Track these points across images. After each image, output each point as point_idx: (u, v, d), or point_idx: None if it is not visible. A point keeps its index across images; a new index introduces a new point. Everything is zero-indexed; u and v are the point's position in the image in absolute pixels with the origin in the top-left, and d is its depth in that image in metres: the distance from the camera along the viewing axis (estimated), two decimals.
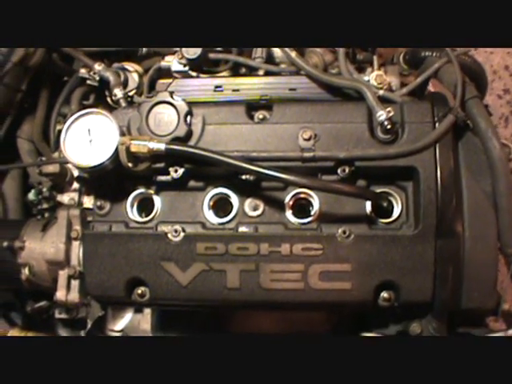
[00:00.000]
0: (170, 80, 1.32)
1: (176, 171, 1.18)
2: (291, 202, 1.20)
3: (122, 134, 1.17)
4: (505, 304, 1.18)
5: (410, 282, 1.14)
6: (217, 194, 1.22)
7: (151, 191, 1.24)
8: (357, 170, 1.16)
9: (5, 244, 1.25)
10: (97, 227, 1.23)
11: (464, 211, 1.16)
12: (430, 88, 1.38)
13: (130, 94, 1.34)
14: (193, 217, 1.21)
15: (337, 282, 1.15)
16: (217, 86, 1.29)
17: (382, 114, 1.13)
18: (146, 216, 1.23)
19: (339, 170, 1.16)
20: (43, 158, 1.36)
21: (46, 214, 1.33)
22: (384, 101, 1.19)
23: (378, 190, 1.20)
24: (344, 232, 1.15)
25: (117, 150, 1.14)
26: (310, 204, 1.20)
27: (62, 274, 1.25)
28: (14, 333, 1.41)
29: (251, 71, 1.33)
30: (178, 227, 1.18)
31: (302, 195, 1.20)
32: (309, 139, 1.16)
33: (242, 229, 1.19)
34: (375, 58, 1.33)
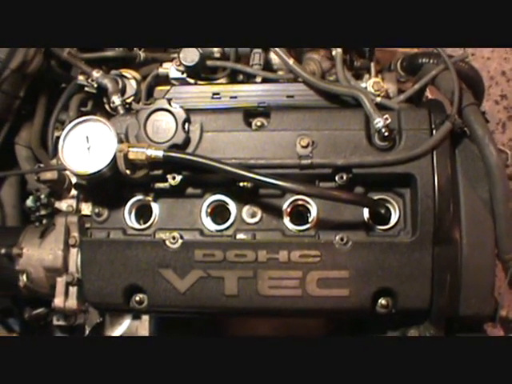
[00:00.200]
0: (168, 87, 1.32)
1: (174, 178, 1.18)
2: (289, 209, 1.20)
3: (120, 141, 1.17)
4: (502, 310, 1.18)
5: (408, 288, 1.14)
6: (215, 201, 1.22)
7: (149, 198, 1.24)
8: (354, 177, 1.16)
9: (3, 251, 1.25)
10: (95, 234, 1.23)
11: (461, 218, 1.17)
12: (428, 94, 1.38)
13: (128, 100, 1.34)
14: (191, 224, 1.21)
15: (335, 288, 1.15)
16: (214, 93, 1.29)
17: (379, 121, 1.14)
18: (144, 223, 1.23)
19: (337, 177, 1.16)
20: (41, 165, 1.36)
21: (44, 221, 1.33)
22: (381, 108, 1.19)
23: (376, 197, 1.20)
24: (342, 239, 1.15)
25: (115, 157, 1.14)
26: (308, 211, 1.20)
27: (60, 281, 1.24)
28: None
29: (249, 78, 1.34)
30: (175, 234, 1.18)
31: (300, 202, 1.20)
32: (306, 146, 1.16)
33: (240, 236, 1.19)
34: (372, 64, 1.33)
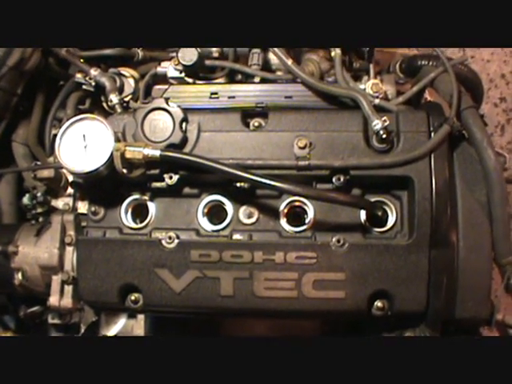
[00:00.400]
0: (166, 86, 1.32)
1: (171, 178, 1.18)
2: (286, 210, 1.20)
3: (117, 140, 1.17)
4: (498, 314, 1.18)
5: (404, 291, 1.14)
6: (211, 201, 1.22)
7: (146, 197, 1.23)
8: (352, 178, 1.16)
9: None
10: (91, 233, 1.23)
11: (458, 221, 1.16)
12: (427, 97, 1.38)
13: (126, 99, 1.33)
14: (187, 224, 1.21)
15: (330, 290, 1.15)
16: (212, 93, 1.29)
17: (377, 123, 1.13)
18: (141, 222, 1.23)
19: (334, 179, 1.16)
20: (38, 163, 1.36)
21: (40, 219, 1.33)
22: (380, 110, 1.19)
23: (373, 199, 1.19)
24: (338, 241, 1.15)
25: (111, 155, 1.14)
26: (305, 212, 1.20)
27: (56, 280, 1.24)
28: None
29: (247, 78, 1.33)
30: (172, 234, 1.18)
31: (297, 203, 1.20)
32: (304, 147, 1.16)
33: (236, 236, 1.18)
34: (371, 66, 1.33)
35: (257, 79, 1.31)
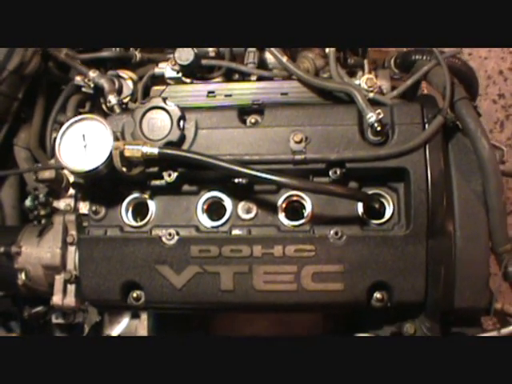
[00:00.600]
0: (164, 87, 1.33)
1: (170, 175, 1.19)
2: (284, 205, 1.21)
3: (116, 139, 1.19)
4: (497, 303, 1.19)
5: (403, 282, 1.15)
6: (210, 198, 1.23)
7: (146, 196, 1.25)
8: (348, 171, 1.17)
9: (1, 249, 1.26)
10: (92, 232, 1.24)
11: (455, 211, 1.17)
12: (424, 90, 1.39)
13: (125, 100, 1.35)
14: (187, 220, 1.23)
15: (329, 283, 1.16)
16: (209, 92, 1.31)
17: (371, 116, 1.15)
18: (141, 220, 1.25)
19: (331, 172, 1.17)
20: (39, 165, 1.38)
21: (43, 220, 1.34)
22: (374, 103, 1.21)
23: (370, 192, 1.20)
24: (336, 233, 1.16)
25: (111, 154, 1.15)
26: (303, 206, 1.21)
27: (59, 279, 1.26)
28: None
29: (244, 77, 1.35)
30: (172, 231, 1.19)
31: (295, 198, 1.21)
32: (300, 142, 1.17)
33: (236, 231, 1.20)
34: (366, 61, 1.35)
35: (253, 77, 1.33)
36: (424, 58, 1.32)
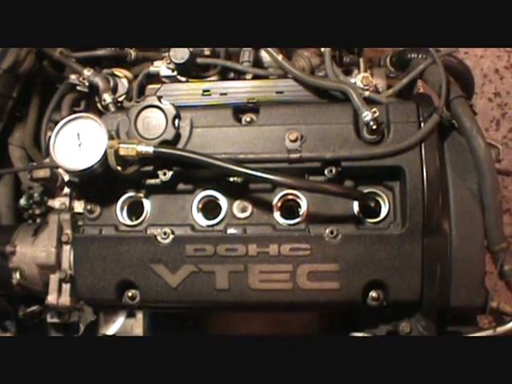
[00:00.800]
0: (159, 85, 1.33)
1: (165, 174, 1.19)
2: (279, 204, 1.21)
3: (111, 137, 1.18)
4: (493, 302, 1.19)
5: (398, 280, 1.15)
6: (205, 197, 1.23)
7: (141, 195, 1.25)
8: (344, 170, 1.17)
9: None
10: (87, 231, 1.24)
11: (451, 210, 1.17)
12: (420, 89, 1.39)
13: (120, 99, 1.35)
14: (182, 219, 1.22)
15: (325, 281, 1.15)
16: (205, 90, 1.30)
17: (367, 115, 1.15)
18: (136, 219, 1.24)
19: (326, 171, 1.17)
20: (34, 164, 1.37)
21: (38, 219, 1.34)
22: (370, 102, 1.20)
23: (366, 190, 1.20)
24: (331, 232, 1.16)
25: (106, 153, 1.15)
26: (298, 205, 1.21)
27: (53, 278, 1.25)
28: None
29: (239, 75, 1.35)
30: (167, 230, 1.19)
31: (290, 197, 1.21)
32: (295, 140, 1.17)
33: (231, 230, 1.19)
34: (361, 60, 1.34)
35: (249, 76, 1.33)
36: (420, 56, 1.32)
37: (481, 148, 1.16)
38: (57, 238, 1.25)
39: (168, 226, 1.20)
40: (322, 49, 1.31)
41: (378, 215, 1.20)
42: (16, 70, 1.35)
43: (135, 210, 1.25)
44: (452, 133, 1.21)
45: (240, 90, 1.30)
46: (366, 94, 1.23)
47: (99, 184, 1.24)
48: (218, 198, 1.22)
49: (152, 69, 1.37)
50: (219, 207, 1.22)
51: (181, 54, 1.29)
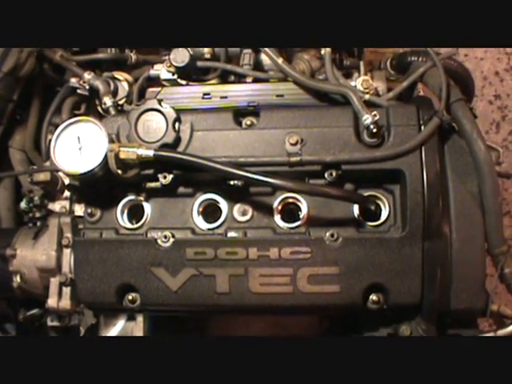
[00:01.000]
0: (160, 88, 1.33)
1: (165, 177, 1.19)
2: (280, 207, 1.21)
3: (112, 141, 1.18)
4: (493, 305, 1.18)
5: (399, 284, 1.14)
6: (206, 200, 1.23)
7: (141, 198, 1.25)
8: (344, 173, 1.17)
9: None
10: (87, 234, 1.24)
11: (451, 213, 1.17)
12: (420, 92, 1.39)
13: (120, 102, 1.35)
14: (182, 223, 1.22)
15: (325, 285, 1.15)
16: (205, 94, 1.30)
17: (367, 118, 1.15)
18: (136, 223, 1.24)
19: (326, 174, 1.17)
20: (34, 167, 1.37)
21: (38, 223, 1.34)
22: (370, 105, 1.20)
23: (366, 194, 1.20)
24: (332, 235, 1.15)
25: (106, 156, 1.15)
26: (299, 208, 1.21)
27: (54, 281, 1.25)
28: None
29: (239, 78, 1.35)
30: (167, 233, 1.19)
31: (290, 200, 1.21)
32: (295, 144, 1.17)
33: (231, 234, 1.19)
34: (362, 63, 1.34)
35: (249, 79, 1.33)
36: (420, 59, 1.32)
37: (481, 151, 1.16)
38: (57, 242, 1.25)
39: (168, 229, 1.20)
40: (322, 51, 1.31)
41: (378, 218, 1.20)
42: (17, 72, 1.35)
43: (136, 213, 1.25)
44: (452, 136, 1.21)
45: (240, 93, 1.30)
46: (367, 97, 1.23)
47: (99, 187, 1.24)
48: (218, 202, 1.22)
49: (152, 72, 1.38)
50: (219, 210, 1.22)
51: (181, 58, 1.29)
